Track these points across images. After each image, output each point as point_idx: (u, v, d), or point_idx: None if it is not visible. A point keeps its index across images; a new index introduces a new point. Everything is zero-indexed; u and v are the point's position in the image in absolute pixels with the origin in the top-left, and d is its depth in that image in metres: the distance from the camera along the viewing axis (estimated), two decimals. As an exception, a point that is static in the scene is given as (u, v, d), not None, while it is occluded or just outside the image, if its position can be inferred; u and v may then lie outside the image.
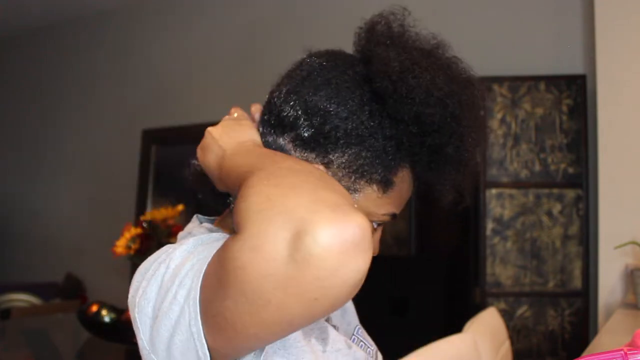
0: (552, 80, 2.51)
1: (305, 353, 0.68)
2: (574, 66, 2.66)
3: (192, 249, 0.61)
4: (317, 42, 0.79)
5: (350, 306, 0.92)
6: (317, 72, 0.72)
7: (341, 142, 0.70)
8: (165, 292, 0.58)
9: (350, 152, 0.71)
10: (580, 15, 2.71)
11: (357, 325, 0.90)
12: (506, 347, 1.73)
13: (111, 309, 2.13)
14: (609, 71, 2.11)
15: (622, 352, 0.64)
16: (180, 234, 0.75)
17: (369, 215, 0.73)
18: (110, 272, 3.64)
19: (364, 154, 0.71)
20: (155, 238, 2.03)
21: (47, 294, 3.82)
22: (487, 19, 2.93)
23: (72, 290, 4.04)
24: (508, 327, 1.93)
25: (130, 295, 0.64)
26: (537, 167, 2.50)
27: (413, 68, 0.69)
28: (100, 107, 4.35)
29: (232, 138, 0.70)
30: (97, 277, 4.04)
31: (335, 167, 0.71)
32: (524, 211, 2.49)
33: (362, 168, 0.71)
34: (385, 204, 0.73)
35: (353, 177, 0.71)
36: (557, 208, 2.48)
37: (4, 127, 4.97)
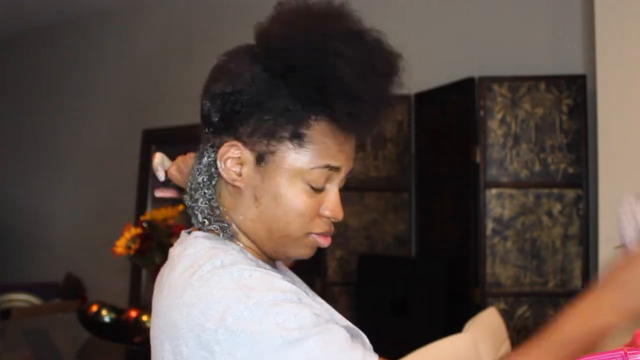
0: (552, 80, 2.51)
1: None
2: (574, 66, 2.65)
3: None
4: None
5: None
6: (219, 67, 0.80)
7: (243, 113, 0.76)
8: None
9: (253, 119, 0.76)
10: (580, 15, 2.71)
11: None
12: (506, 347, 1.73)
13: (111, 309, 2.13)
14: (609, 71, 2.11)
15: (622, 352, 0.64)
16: (206, 264, 0.73)
17: (297, 173, 0.76)
18: (110, 272, 3.64)
19: (265, 117, 0.75)
20: (155, 238, 2.04)
21: (47, 294, 3.82)
22: (487, 19, 2.93)
23: (72, 290, 4.04)
24: (508, 327, 1.93)
25: (205, 324, 0.67)
26: (537, 167, 2.50)
27: (275, 24, 0.76)
28: (100, 107, 4.35)
29: None
30: (97, 277, 4.04)
31: (246, 137, 0.76)
32: (524, 211, 2.49)
33: (269, 129, 0.75)
34: (308, 159, 0.76)
35: (265, 141, 0.76)
36: (557, 208, 2.48)
37: (4, 127, 4.97)
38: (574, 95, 2.49)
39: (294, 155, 0.76)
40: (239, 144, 0.77)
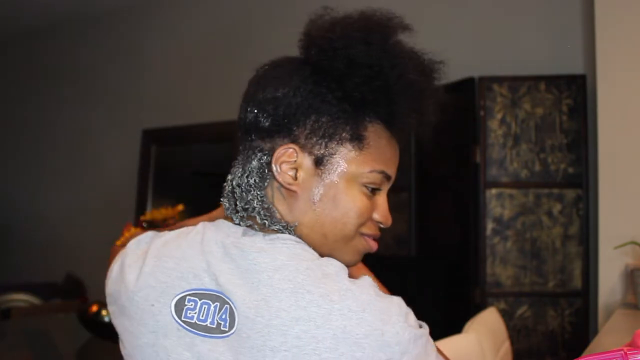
0: (552, 80, 2.51)
1: None
2: (574, 66, 2.66)
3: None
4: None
5: None
6: (263, 76, 0.79)
7: (297, 116, 0.75)
8: None
9: (309, 121, 0.75)
10: (580, 15, 2.71)
11: None
12: (506, 347, 1.73)
13: (111, 309, 2.13)
14: (609, 71, 2.11)
15: (622, 352, 0.64)
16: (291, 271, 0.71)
17: (354, 176, 0.76)
18: (110, 272, 3.64)
19: (323, 119, 0.75)
20: (155, 238, 2.03)
21: (47, 294, 3.82)
22: (487, 18, 2.93)
23: (72, 290, 4.04)
24: (508, 327, 1.93)
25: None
26: (537, 167, 2.50)
27: (331, 28, 0.76)
28: (101, 107, 4.35)
29: None
30: (97, 277, 4.02)
31: (303, 139, 0.76)
32: (524, 211, 2.49)
33: (327, 131, 0.75)
34: (367, 161, 0.76)
35: (323, 143, 0.75)
36: (557, 208, 2.48)
37: (3, 127, 4.98)
38: (574, 95, 2.49)
39: (353, 157, 0.76)
40: (296, 147, 0.76)
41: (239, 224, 0.79)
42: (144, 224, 2.08)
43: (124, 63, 4.27)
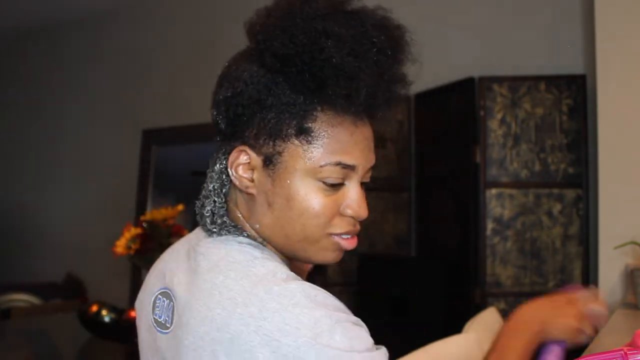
0: (552, 80, 2.51)
1: None
2: (574, 66, 2.65)
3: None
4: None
5: None
6: (222, 75, 0.77)
7: (246, 115, 0.73)
8: None
9: (256, 120, 0.72)
10: (580, 15, 2.71)
11: None
12: (506, 347, 1.72)
13: (111, 309, 2.13)
14: (609, 71, 2.10)
15: (622, 352, 0.64)
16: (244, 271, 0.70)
17: (308, 172, 0.71)
18: (110, 272, 3.64)
19: (268, 115, 0.71)
20: (155, 238, 2.04)
21: (47, 294, 3.82)
22: (487, 18, 2.93)
23: (72, 290, 4.04)
24: (508, 327, 1.93)
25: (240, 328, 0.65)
26: (537, 167, 2.50)
27: (274, 7, 0.73)
28: (100, 107, 4.35)
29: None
30: (97, 277, 4.04)
31: (252, 140, 0.73)
32: (524, 211, 2.49)
33: (273, 128, 0.71)
34: (318, 155, 0.71)
35: (270, 142, 0.72)
36: (557, 208, 2.48)
37: (3, 127, 4.97)
38: (574, 95, 2.49)
39: (302, 153, 0.71)
40: (247, 149, 0.74)
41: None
42: (144, 224, 2.09)
43: (124, 63, 4.27)
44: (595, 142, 2.17)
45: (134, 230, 2.05)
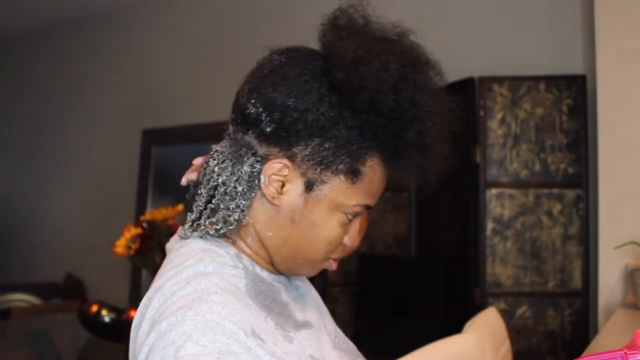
0: (552, 80, 2.51)
1: None
2: (574, 66, 2.65)
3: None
4: (314, 42, 0.79)
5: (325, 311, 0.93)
6: (277, 69, 0.74)
7: (302, 134, 0.72)
8: None
9: (312, 144, 0.72)
10: (580, 15, 2.71)
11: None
12: (506, 347, 1.73)
13: (111, 309, 2.13)
14: (609, 71, 2.10)
15: (622, 352, 0.64)
16: (188, 260, 0.74)
17: (339, 206, 0.74)
18: (110, 272, 3.64)
19: (326, 144, 0.72)
20: (155, 238, 2.04)
21: (47, 294, 3.82)
22: (487, 19, 2.93)
23: (72, 290, 4.04)
24: (508, 327, 1.93)
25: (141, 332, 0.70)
26: (537, 167, 2.50)
27: (365, 56, 0.70)
28: (100, 107, 4.35)
29: None
30: (97, 277, 4.04)
31: (299, 159, 0.73)
32: (524, 211, 2.49)
33: (327, 159, 0.72)
34: (355, 194, 0.74)
35: (318, 169, 0.73)
36: (557, 208, 2.48)
37: (4, 127, 4.97)
38: (574, 95, 2.49)
39: (343, 189, 0.74)
40: (290, 165, 0.73)
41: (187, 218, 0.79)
42: (144, 224, 2.09)
43: (124, 63, 4.27)
44: (595, 142, 2.17)
45: (134, 230, 2.06)
